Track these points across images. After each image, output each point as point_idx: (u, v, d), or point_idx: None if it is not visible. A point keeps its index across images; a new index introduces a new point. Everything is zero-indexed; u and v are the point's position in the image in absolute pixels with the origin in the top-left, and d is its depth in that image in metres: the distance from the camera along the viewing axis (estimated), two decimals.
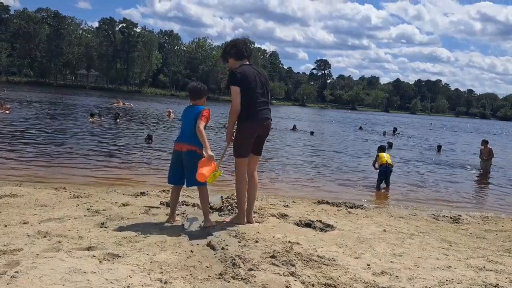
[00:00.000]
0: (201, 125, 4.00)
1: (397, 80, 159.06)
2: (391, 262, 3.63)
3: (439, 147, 19.38)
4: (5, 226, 3.72)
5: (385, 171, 8.75)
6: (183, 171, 4.13)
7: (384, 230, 4.80)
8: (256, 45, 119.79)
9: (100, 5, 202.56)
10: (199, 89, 4.30)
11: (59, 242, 3.38)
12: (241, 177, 4.33)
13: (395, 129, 29.46)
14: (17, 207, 4.47)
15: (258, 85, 4.28)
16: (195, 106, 4.23)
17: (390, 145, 17.78)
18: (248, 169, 4.38)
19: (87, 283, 2.66)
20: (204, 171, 3.87)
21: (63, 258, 3.02)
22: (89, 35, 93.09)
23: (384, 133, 27.58)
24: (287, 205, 5.77)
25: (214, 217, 4.60)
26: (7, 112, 18.38)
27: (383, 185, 8.76)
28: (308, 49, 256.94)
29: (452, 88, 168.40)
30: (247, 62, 4.37)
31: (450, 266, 3.66)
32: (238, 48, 4.35)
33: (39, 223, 3.88)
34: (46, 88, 61.20)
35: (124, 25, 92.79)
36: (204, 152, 4.02)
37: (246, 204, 4.41)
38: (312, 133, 22.33)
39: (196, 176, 3.90)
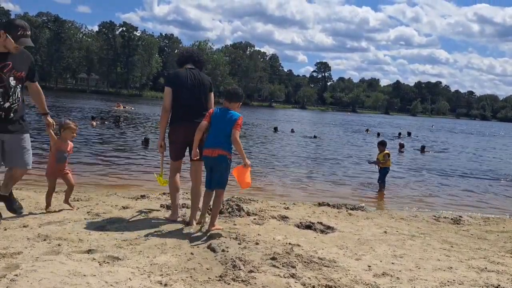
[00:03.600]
0: (237, 135, 4.04)
1: (397, 82, 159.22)
2: (392, 263, 3.62)
3: (423, 147, 18.81)
4: (5, 229, 3.71)
5: (379, 171, 8.83)
6: (210, 174, 4.20)
7: (385, 232, 4.79)
8: (256, 48, 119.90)
9: (100, 9, 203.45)
10: (239, 93, 4.36)
11: (59, 245, 3.37)
12: (170, 180, 4.49)
13: (409, 133, 29.55)
14: None
15: (192, 89, 4.34)
16: (229, 112, 4.18)
17: (402, 146, 17.71)
18: (190, 172, 4.51)
19: (87, 286, 2.65)
20: (248, 179, 4.07)
21: (63, 261, 3.01)
22: (89, 39, 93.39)
23: (399, 134, 27.97)
24: (287, 207, 5.76)
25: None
26: None
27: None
28: (307, 52, 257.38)
29: (452, 89, 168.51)
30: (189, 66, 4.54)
31: (451, 267, 3.65)
32: (179, 57, 4.74)
33: (39, 226, 3.87)
34: (47, 92, 61.18)
35: (124, 28, 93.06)
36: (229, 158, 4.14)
37: (178, 201, 4.54)
38: (315, 136, 22.25)
39: (243, 186, 4.10)
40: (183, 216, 4.61)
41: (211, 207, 4.27)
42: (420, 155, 17.12)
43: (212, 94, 4.55)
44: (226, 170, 4.11)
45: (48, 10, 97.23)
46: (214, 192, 4.21)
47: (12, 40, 3.69)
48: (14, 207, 4.13)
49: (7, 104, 3.75)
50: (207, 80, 4.51)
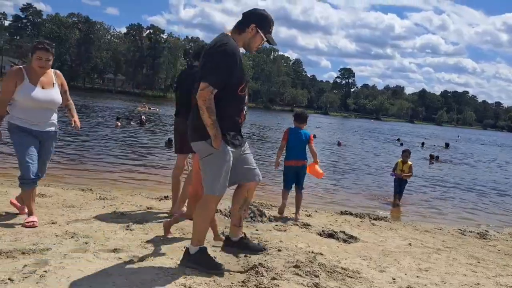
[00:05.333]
0: (313, 146, 5.42)
1: (423, 90, 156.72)
2: (417, 277, 3.55)
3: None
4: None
5: (399, 182, 8.14)
6: (296, 179, 5.43)
7: (410, 244, 4.71)
8: (279, 53, 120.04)
9: (128, 11, 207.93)
10: (306, 116, 5.50)
11: (86, 243, 3.44)
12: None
13: (447, 144, 29.06)
14: (46, 207, 4.58)
15: (180, 85, 4.61)
16: (301, 130, 5.40)
17: (432, 157, 17.40)
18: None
19: (113, 285, 2.69)
20: (321, 171, 5.53)
21: (90, 259, 3.08)
22: (117, 40, 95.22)
23: (447, 145, 27.82)
24: (309, 215, 5.73)
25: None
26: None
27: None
28: (331, 58, 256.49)
29: (479, 100, 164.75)
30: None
31: (478, 284, 3.57)
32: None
33: (67, 224, 3.96)
34: (75, 91, 62.75)
35: (152, 31, 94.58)
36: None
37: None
38: (339, 143, 22.06)
39: (319, 177, 5.61)
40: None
41: (296, 202, 5.44)
42: (448, 167, 16.75)
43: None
44: (305, 175, 5.49)
45: (79, 11, 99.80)
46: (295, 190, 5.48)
47: (264, 37, 3.13)
48: (257, 247, 3.47)
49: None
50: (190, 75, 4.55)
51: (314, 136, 24.25)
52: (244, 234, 3.43)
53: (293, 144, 5.30)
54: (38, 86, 3.79)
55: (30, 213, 3.89)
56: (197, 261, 3.10)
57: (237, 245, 3.37)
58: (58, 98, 3.94)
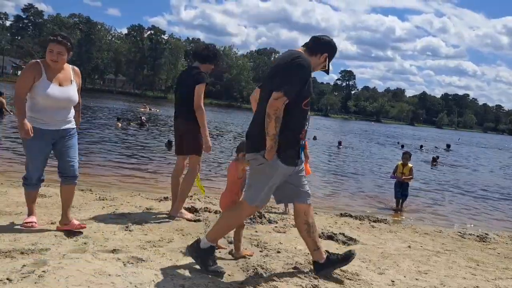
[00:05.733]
0: (308, 151, 5.53)
1: (424, 93, 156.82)
2: (416, 279, 3.55)
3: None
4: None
5: (400, 185, 7.90)
6: None
7: (409, 246, 4.70)
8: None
9: (129, 12, 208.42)
10: None
11: (85, 243, 3.44)
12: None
13: (448, 146, 29.00)
14: (45, 207, 4.57)
15: (179, 86, 4.73)
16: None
17: (435, 159, 17.37)
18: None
19: (112, 285, 2.69)
20: (309, 168, 5.64)
21: (88, 260, 3.07)
22: (117, 41, 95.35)
23: (448, 146, 27.82)
24: None
25: None
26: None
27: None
28: (332, 60, 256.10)
29: (480, 102, 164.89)
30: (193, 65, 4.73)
31: (477, 286, 3.56)
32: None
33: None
34: None
35: (152, 32, 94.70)
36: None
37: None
38: (339, 143, 22.10)
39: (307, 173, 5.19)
40: (205, 220, 4.64)
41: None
42: (450, 170, 16.72)
43: (196, 87, 4.50)
44: None
45: (80, 12, 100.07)
46: None
47: (326, 66, 3.26)
48: (347, 256, 3.31)
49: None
50: (191, 76, 4.59)
51: (314, 138, 24.37)
52: (327, 251, 3.37)
53: None
54: (54, 82, 3.56)
55: (29, 213, 3.85)
56: (203, 257, 3.11)
57: (328, 265, 3.26)
58: (75, 96, 3.70)
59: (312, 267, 3.39)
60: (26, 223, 3.71)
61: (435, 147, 28.97)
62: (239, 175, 3.49)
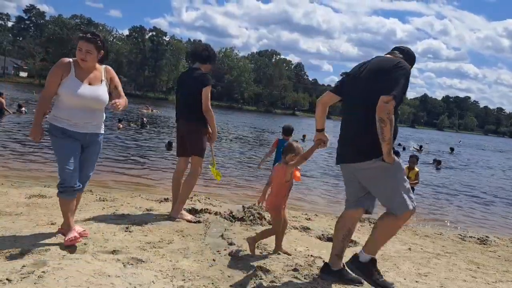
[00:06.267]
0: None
1: (425, 95, 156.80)
2: (416, 281, 3.54)
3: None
4: (35, 225, 3.81)
5: None
6: None
7: (409, 249, 4.70)
8: (281, 56, 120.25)
9: (130, 13, 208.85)
10: (292, 129, 6.25)
11: (84, 244, 3.44)
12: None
13: (452, 149, 28.94)
14: (45, 207, 4.57)
15: (181, 88, 4.68)
16: (287, 141, 5.79)
17: (439, 163, 17.30)
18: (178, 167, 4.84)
19: (111, 286, 2.69)
20: (298, 174, 5.47)
21: (88, 260, 3.07)
22: (119, 42, 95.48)
23: (452, 150, 27.79)
24: (309, 218, 5.72)
25: (236, 227, 4.60)
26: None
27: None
28: (333, 62, 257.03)
29: (481, 105, 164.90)
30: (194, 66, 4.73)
31: None
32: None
33: None
34: None
35: (154, 33, 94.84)
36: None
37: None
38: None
39: (296, 180, 5.64)
40: (205, 221, 4.63)
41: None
42: (453, 173, 16.69)
43: (203, 90, 4.49)
44: None
45: (82, 13, 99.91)
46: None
47: None
48: (356, 279, 3.27)
49: None
50: (193, 78, 4.58)
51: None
52: (343, 265, 3.31)
53: (279, 152, 5.86)
54: (84, 82, 3.36)
55: (68, 228, 3.42)
56: (367, 271, 3.11)
57: (336, 275, 3.25)
58: (105, 96, 3.46)
59: (311, 267, 3.39)
60: (69, 239, 3.30)
61: (439, 150, 28.89)
62: (286, 178, 3.59)
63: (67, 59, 3.41)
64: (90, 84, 3.39)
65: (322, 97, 3.49)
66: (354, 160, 3.06)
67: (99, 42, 3.40)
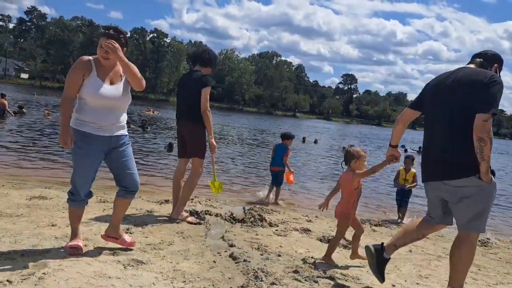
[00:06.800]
0: (286, 159, 7.23)
1: None
2: (417, 284, 3.54)
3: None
4: (35, 227, 3.81)
5: (402, 192, 7.35)
6: (274, 179, 7.31)
7: (410, 251, 4.69)
8: (282, 58, 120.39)
9: (131, 15, 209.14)
10: (291, 135, 7.42)
11: (85, 245, 3.44)
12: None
13: None
14: (46, 209, 4.58)
15: (181, 89, 4.76)
16: (284, 146, 7.31)
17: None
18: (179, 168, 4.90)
19: None
20: (292, 179, 7.34)
21: (89, 262, 3.07)
22: None
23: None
24: (310, 220, 5.72)
25: (237, 228, 4.60)
26: (49, 117, 19.18)
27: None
28: (333, 63, 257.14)
29: None
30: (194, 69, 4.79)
31: None
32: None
33: (67, 226, 3.94)
34: None
35: (155, 35, 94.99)
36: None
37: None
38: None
39: (289, 183, 7.41)
40: (205, 223, 4.63)
41: (275, 193, 7.33)
42: None
43: (202, 90, 4.52)
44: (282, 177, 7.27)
45: (83, 15, 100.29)
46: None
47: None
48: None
49: None
50: (194, 79, 4.61)
51: (315, 142, 24.38)
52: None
53: (276, 156, 7.35)
54: (106, 81, 3.17)
55: (73, 236, 3.34)
56: None
57: (380, 260, 3.29)
58: (128, 93, 3.31)
59: (312, 269, 3.39)
60: (71, 247, 3.23)
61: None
62: (354, 186, 3.62)
63: (86, 57, 3.22)
64: (112, 82, 3.20)
65: (402, 115, 3.49)
66: (452, 177, 2.96)
67: (122, 39, 3.21)
